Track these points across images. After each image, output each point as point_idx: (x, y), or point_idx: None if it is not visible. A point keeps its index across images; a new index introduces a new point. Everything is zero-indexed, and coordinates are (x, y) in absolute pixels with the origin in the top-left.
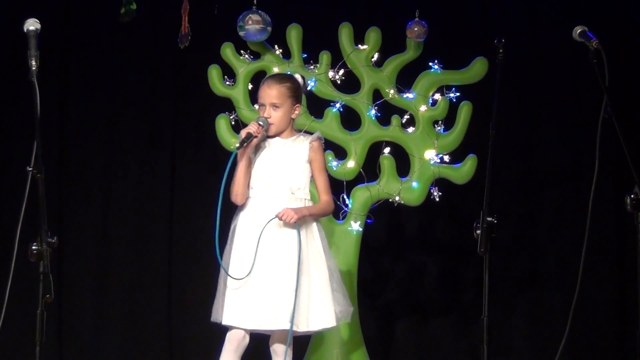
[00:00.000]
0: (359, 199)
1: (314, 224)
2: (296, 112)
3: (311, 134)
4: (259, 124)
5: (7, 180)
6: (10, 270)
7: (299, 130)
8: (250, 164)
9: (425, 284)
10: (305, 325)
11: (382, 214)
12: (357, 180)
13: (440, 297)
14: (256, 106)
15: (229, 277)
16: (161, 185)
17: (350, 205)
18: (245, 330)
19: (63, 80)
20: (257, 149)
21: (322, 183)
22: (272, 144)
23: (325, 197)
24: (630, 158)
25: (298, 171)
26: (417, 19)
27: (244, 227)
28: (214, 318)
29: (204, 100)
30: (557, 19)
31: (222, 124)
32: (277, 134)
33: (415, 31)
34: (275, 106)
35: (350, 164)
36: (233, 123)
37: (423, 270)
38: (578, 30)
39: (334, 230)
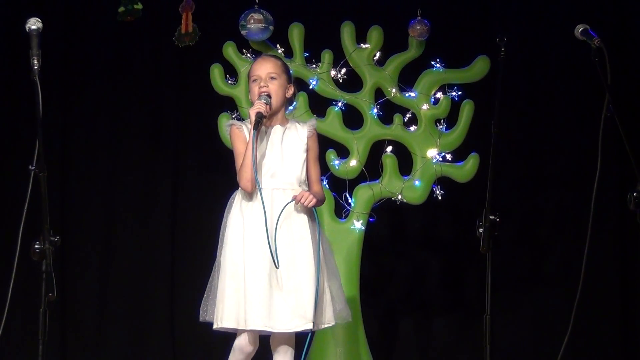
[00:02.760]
0: (362, 197)
1: (316, 218)
2: (290, 91)
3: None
4: (265, 102)
5: (9, 179)
6: (13, 269)
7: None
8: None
9: (427, 282)
10: (315, 324)
11: (385, 213)
12: (360, 178)
13: (443, 296)
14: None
15: (247, 279)
16: (164, 183)
17: (352, 204)
18: (256, 333)
19: (65, 79)
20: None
21: (317, 172)
22: (272, 133)
23: (319, 187)
24: (633, 156)
25: (300, 162)
26: (419, 17)
27: (252, 222)
28: (221, 325)
29: (206, 99)
30: (559, 18)
31: (224, 123)
32: (275, 112)
33: (417, 30)
34: (272, 77)
35: (353, 162)
36: None
37: (426, 269)
38: (580, 28)
39: (336, 229)
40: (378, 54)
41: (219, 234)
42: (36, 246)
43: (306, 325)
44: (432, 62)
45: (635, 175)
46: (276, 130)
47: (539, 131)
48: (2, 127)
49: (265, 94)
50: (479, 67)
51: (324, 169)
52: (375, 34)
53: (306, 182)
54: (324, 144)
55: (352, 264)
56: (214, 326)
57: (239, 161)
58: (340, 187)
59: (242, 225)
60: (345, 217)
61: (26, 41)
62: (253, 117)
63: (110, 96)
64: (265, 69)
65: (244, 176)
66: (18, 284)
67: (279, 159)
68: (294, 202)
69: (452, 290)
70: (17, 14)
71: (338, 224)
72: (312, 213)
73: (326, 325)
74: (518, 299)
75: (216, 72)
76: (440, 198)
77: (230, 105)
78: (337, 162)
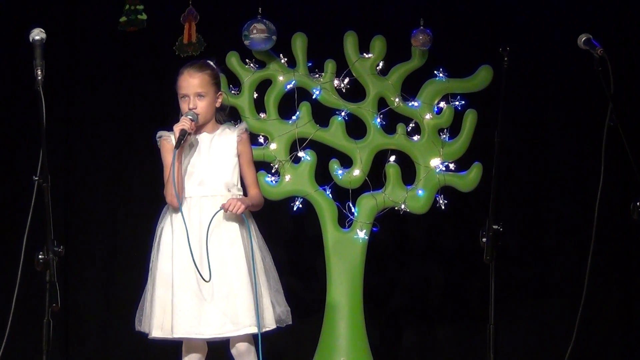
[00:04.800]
0: (365, 207)
1: (250, 219)
2: (219, 100)
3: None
4: (190, 119)
5: (13, 190)
6: (17, 279)
7: (221, 122)
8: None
9: (431, 292)
10: (249, 327)
11: (388, 222)
12: (363, 188)
13: (447, 305)
14: (262, 115)
15: (175, 288)
16: None
17: (356, 214)
18: (202, 344)
19: (69, 89)
20: (185, 147)
21: (252, 176)
22: (199, 140)
23: (256, 190)
24: (636, 165)
25: (230, 166)
26: (421, 27)
27: (180, 230)
28: (144, 329)
29: None
30: (562, 27)
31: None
32: (203, 125)
33: (420, 39)
34: (200, 95)
35: (356, 172)
36: None
37: (429, 279)
38: (583, 38)
39: (339, 238)
40: (381, 64)
41: (152, 244)
42: (40, 256)
43: (239, 330)
44: (435, 72)
45: (639, 184)
46: (203, 137)
47: (542, 140)
48: (6, 137)
49: (193, 111)
50: (482, 77)
51: (328, 178)
52: (378, 43)
53: (238, 186)
54: (327, 153)
55: (356, 273)
56: (150, 336)
57: (166, 173)
58: (343, 196)
59: (171, 235)
60: (349, 226)
61: (30, 51)
62: (177, 134)
63: (113, 106)
64: (193, 87)
65: (169, 192)
66: (22, 295)
67: (206, 166)
68: (222, 210)
69: (455, 300)
70: (20, 24)
71: (341, 234)
72: (242, 218)
73: (267, 329)
74: (522, 308)
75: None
76: (443, 208)
77: (233, 115)
78: (340, 171)
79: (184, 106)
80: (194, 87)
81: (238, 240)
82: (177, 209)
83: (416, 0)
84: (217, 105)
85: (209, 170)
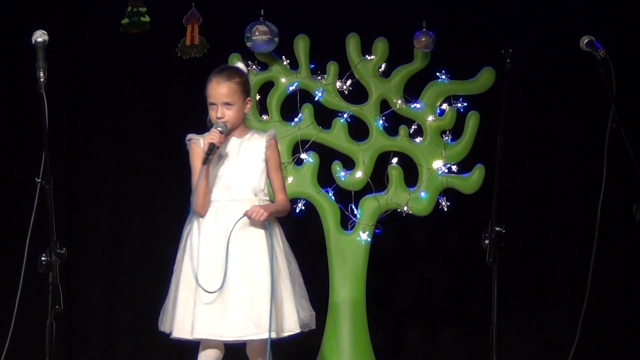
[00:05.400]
0: (367, 209)
1: (276, 224)
2: (248, 106)
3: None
4: (220, 131)
5: (16, 192)
6: (19, 281)
7: (250, 127)
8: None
9: (434, 293)
10: (275, 332)
11: (391, 224)
12: (365, 190)
13: (449, 307)
14: (265, 117)
15: (199, 290)
16: (170, 195)
17: (358, 216)
18: (220, 343)
19: (71, 91)
20: None
21: (279, 181)
22: (228, 145)
23: (282, 196)
24: (638, 167)
25: (258, 171)
26: (424, 29)
27: (207, 234)
28: (166, 329)
29: None
30: (564, 29)
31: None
32: (232, 130)
33: (423, 41)
34: (228, 104)
35: (358, 174)
36: None
37: (432, 280)
38: (585, 40)
39: (342, 240)
40: (383, 66)
41: (178, 244)
42: (43, 258)
43: (261, 334)
44: (438, 74)
45: None
46: (232, 142)
47: (545, 142)
48: (9, 139)
49: (223, 122)
50: (484, 79)
51: (330, 180)
52: (380, 45)
53: (264, 191)
54: (329, 155)
55: (358, 275)
56: (171, 336)
57: (194, 179)
58: (346, 198)
59: (197, 238)
60: (351, 228)
61: (32, 54)
62: (206, 148)
63: (116, 108)
64: (221, 96)
65: (195, 202)
66: (25, 297)
67: (234, 171)
68: (245, 217)
69: (458, 302)
70: (23, 26)
71: (344, 236)
72: (265, 224)
73: (288, 334)
74: (525, 310)
75: None
76: (446, 209)
77: None
78: (342, 173)
79: (212, 113)
80: (221, 97)
81: (263, 245)
82: (204, 216)
83: (419, 2)
84: (246, 110)
85: (237, 174)
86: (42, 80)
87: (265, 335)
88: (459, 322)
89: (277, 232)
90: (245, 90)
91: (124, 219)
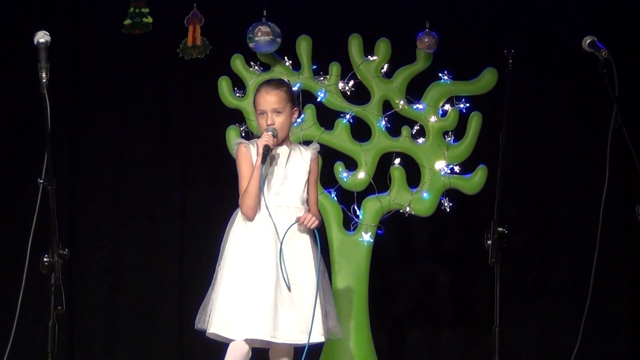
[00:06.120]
0: (370, 209)
1: (316, 238)
2: (295, 115)
3: (306, 143)
4: (272, 134)
5: (18, 193)
6: (22, 282)
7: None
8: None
9: (436, 294)
10: (322, 335)
11: (393, 225)
12: (368, 191)
13: (452, 308)
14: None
15: (251, 292)
16: (172, 196)
17: (361, 216)
18: (250, 343)
19: (73, 92)
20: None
21: (315, 195)
22: (279, 153)
23: (316, 209)
24: None
25: (303, 181)
26: (427, 30)
27: (256, 237)
28: (215, 330)
29: (214, 111)
30: (567, 29)
31: (232, 136)
32: (281, 140)
33: (426, 42)
34: (277, 112)
35: (361, 175)
36: (243, 134)
37: (434, 281)
38: (587, 40)
39: (345, 241)
40: (386, 66)
41: (220, 246)
42: (45, 259)
43: (306, 339)
44: (440, 74)
45: None
46: (282, 151)
47: (547, 143)
48: (11, 140)
49: (273, 127)
50: (486, 79)
51: (333, 181)
52: (382, 46)
53: (306, 201)
54: (332, 156)
55: (361, 276)
56: (207, 330)
57: (243, 183)
58: (348, 199)
59: (246, 239)
60: (354, 229)
61: (34, 54)
62: (261, 150)
63: (118, 108)
64: (270, 104)
65: (246, 203)
66: (27, 297)
67: (283, 179)
68: (297, 223)
69: (460, 303)
70: (25, 26)
71: (346, 237)
72: (313, 232)
73: (317, 341)
74: (527, 311)
75: (224, 85)
76: (448, 210)
77: (238, 118)
78: (345, 174)
79: (261, 122)
80: (271, 104)
81: (309, 252)
82: (252, 219)
83: (421, 2)
84: (293, 120)
85: (286, 182)
86: (44, 81)
87: (313, 340)
88: (461, 323)
89: (317, 243)
90: (292, 99)
91: (126, 220)
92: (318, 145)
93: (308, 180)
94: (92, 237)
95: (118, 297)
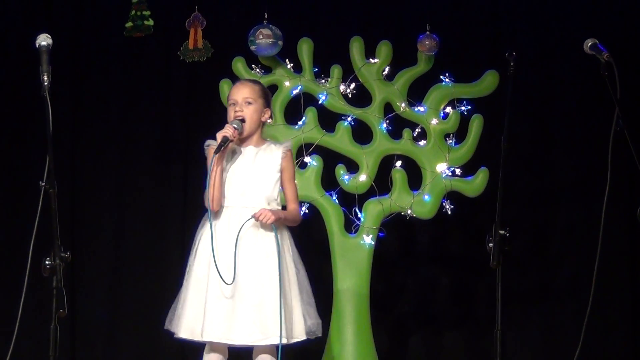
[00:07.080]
0: (371, 212)
1: (286, 232)
2: (266, 115)
3: (277, 142)
4: (234, 127)
5: (20, 196)
6: (24, 285)
7: (266, 139)
8: (223, 171)
9: (437, 297)
10: (284, 338)
11: (394, 228)
12: (369, 193)
13: (453, 311)
14: (269, 120)
15: (209, 292)
16: (173, 199)
17: (362, 219)
18: (225, 347)
19: (75, 95)
20: (230, 157)
21: (293, 192)
22: (244, 153)
23: (294, 206)
24: None
25: (272, 181)
26: (428, 32)
27: (219, 238)
28: (173, 329)
29: (215, 114)
30: (568, 32)
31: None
32: (249, 135)
33: (427, 45)
34: (248, 102)
35: (362, 177)
36: None
37: (435, 284)
38: (589, 42)
39: (346, 243)
40: (387, 69)
41: (191, 247)
42: (47, 262)
43: (265, 340)
44: (441, 77)
45: None
46: (249, 150)
47: (549, 145)
48: (13, 143)
49: (239, 118)
50: (488, 82)
51: (334, 183)
52: (384, 48)
53: (277, 200)
54: (333, 158)
55: (362, 278)
56: (176, 335)
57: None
58: (349, 202)
59: (210, 240)
60: (355, 232)
61: (36, 57)
62: (219, 139)
63: (119, 111)
64: (242, 93)
65: (206, 195)
66: (29, 300)
67: (249, 178)
68: (253, 219)
69: (462, 305)
70: (27, 30)
71: (348, 239)
72: (280, 230)
73: (295, 340)
74: (529, 313)
75: (225, 88)
76: (449, 213)
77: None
78: (346, 177)
79: (230, 113)
80: (242, 94)
81: (273, 252)
82: (217, 214)
83: (422, 5)
84: (264, 119)
85: (252, 182)
86: (45, 84)
87: (271, 341)
88: (463, 325)
89: (287, 239)
90: (265, 97)
91: (128, 223)
92: (290, 142)
93: (281, 179)
94: (93, 240)
95: (119, 299)
